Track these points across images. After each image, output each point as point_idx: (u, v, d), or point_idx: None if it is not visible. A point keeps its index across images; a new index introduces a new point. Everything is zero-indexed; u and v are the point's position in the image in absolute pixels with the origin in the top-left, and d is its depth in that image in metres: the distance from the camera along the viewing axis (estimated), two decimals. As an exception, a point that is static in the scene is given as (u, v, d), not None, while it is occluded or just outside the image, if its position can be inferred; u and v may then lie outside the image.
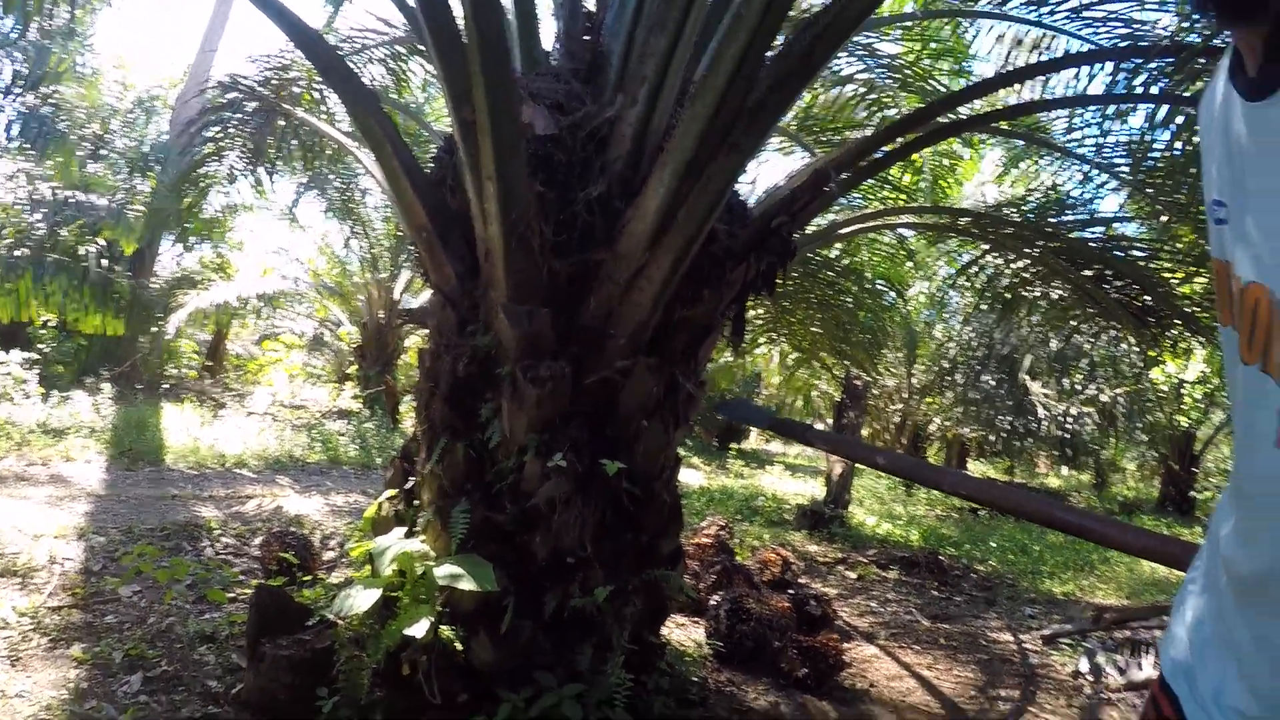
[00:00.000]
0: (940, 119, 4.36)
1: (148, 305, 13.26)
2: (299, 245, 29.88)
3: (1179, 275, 5.39)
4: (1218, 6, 0.79)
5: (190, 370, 15.97)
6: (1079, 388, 13.33)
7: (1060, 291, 6.08)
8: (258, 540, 5.59)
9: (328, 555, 5.60)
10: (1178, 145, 4.60)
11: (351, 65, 5.43)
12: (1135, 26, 4.70)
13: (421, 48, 6.39)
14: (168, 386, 13.90)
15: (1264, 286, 0.79)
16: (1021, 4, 5.22)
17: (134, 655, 3.59)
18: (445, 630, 2.98)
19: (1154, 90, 4.36)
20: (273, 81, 6.16)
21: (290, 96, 6.26)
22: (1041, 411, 13.17)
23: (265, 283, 14.51)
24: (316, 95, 6.57)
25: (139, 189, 13.62)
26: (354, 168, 13.01)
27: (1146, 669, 4.66)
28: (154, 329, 13.61)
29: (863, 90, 6.69)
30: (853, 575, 7.26)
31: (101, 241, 12.87)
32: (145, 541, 5.28)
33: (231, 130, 6.41)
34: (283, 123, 6.41)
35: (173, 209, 7.41)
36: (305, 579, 4.75)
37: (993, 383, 13.13)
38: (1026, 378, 13.01)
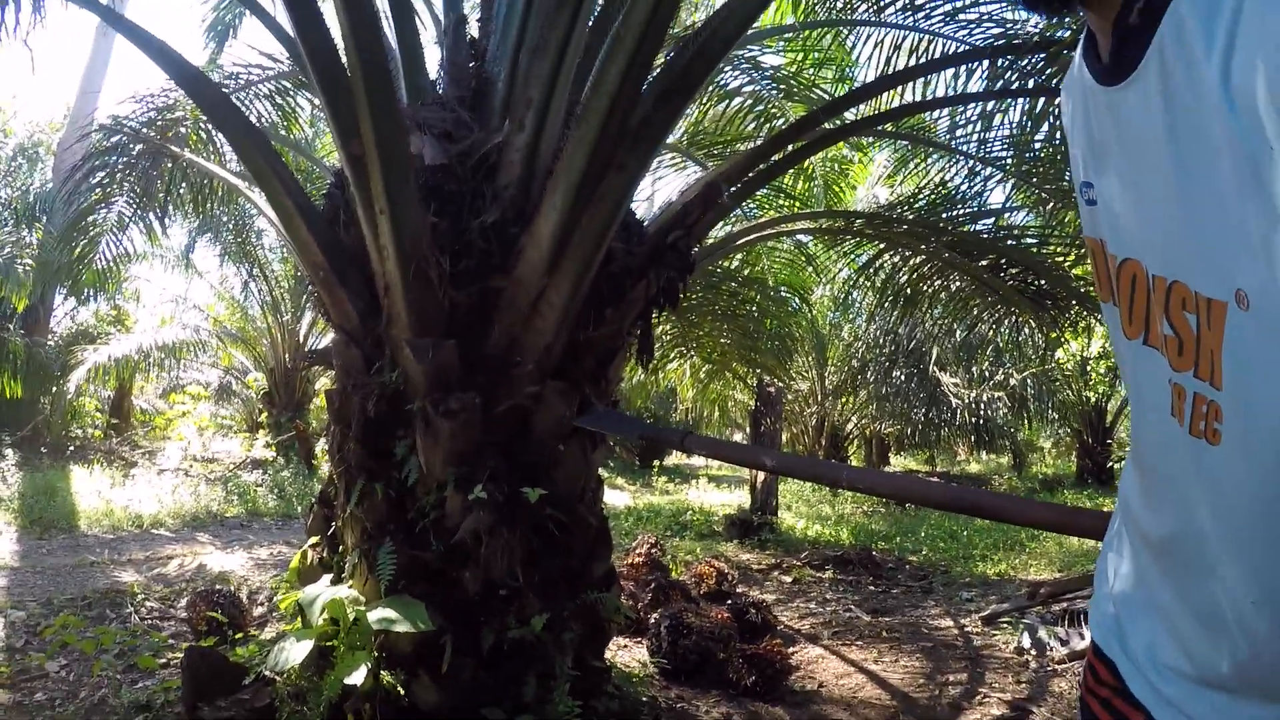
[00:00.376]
0: (827, 125, 4.47)
1: (44, 364, 12.70)
2: (197, 292, 28.96)
3: (1070, 258, 5.62)
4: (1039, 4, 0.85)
5: (96, 430, 15.29)
6: (988, 374, 13.77)
7: (959, 283, 6.28)
8: (183, 601, 5.38)
9: (257, 610, 5.42)
10: (1056, 135, 4.80)
11: (237, 102, 5.30)
12: (1008, 26, 4.91)
13: (307, 81, 6.29)
14: (74, 448, 13.29)
15: (1137, 262, 0.82)
16: (898, 10, 5.40)
17: (69, 733, 3.42)
18: (385, 675, 2.92)
19: (1030, 85, 4.55)
20: (158, 122, 5.98)
21: (177, 137, 6.07)
22: (954, 401, 13.56)
23: (165, 333, 14.00)
24: (204, 135, 6.40)
25: (26, 241, 13.04)
26: (247, 209, 12.66)
27: (1088, 638, 4.81)
28: (54, 389, 13.02)
29: (750, 103, 6.82)
30: (788, 579, 7.33)
31: (-10, 299, 12.29)
32: (68, 612, 5.04)
33: (118, 175, 6.19)
34: (170, 164, 6.22)
35: (63, 261, 7.09)
36: (238, 637, 4.59)
37: (903, 377, 13.48)
38: (936, 369, 13.38)
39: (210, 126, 6.26)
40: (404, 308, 3.10)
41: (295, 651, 2.86)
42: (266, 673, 3.25)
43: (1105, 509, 1.35)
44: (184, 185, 6.60)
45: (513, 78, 3.39)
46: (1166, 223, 0.78)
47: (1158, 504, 0.90)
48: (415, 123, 3.28)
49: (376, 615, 2.81)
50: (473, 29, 3.95)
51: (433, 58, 4.03)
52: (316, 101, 6.81)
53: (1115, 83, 0.81)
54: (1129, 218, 0.85)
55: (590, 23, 3.28)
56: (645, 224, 3.86)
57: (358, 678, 2.73)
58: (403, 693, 2.94)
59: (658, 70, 3.07)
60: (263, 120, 6.61)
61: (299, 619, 3.49)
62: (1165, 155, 0.75)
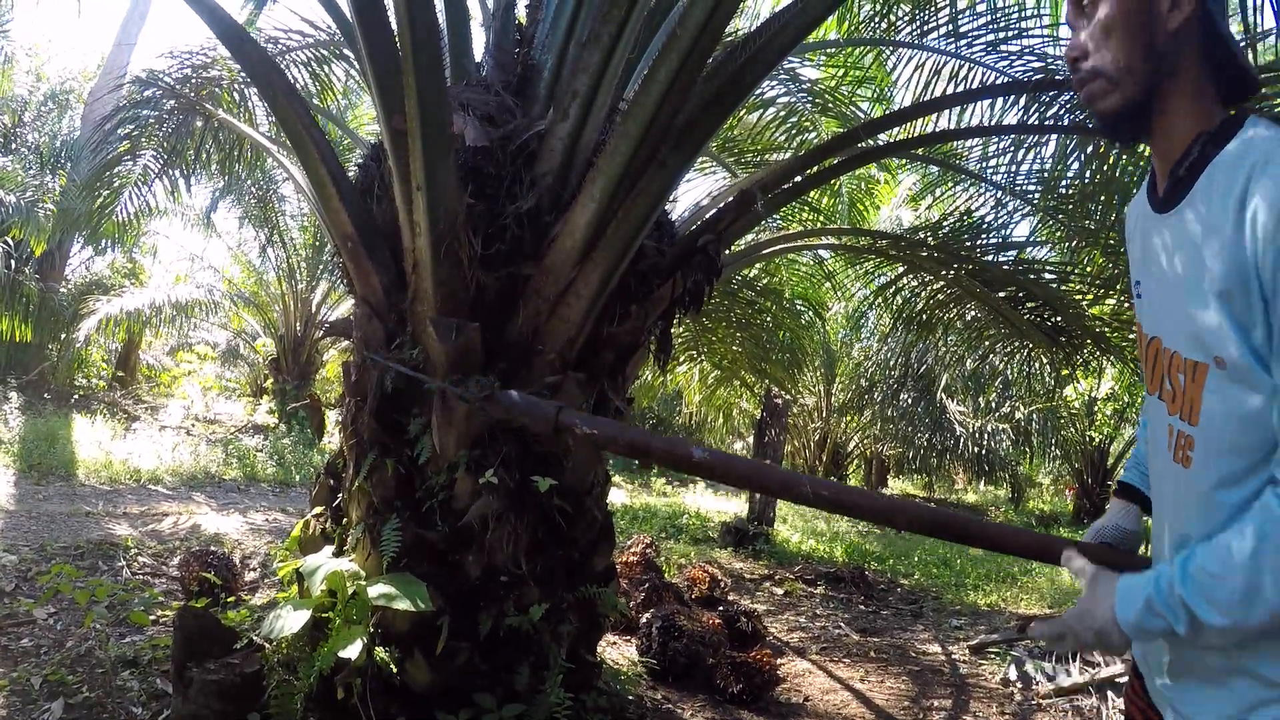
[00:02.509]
0: (862, 144, 4.47)
1: (56, 310, 12.71)
2: (214, 253, 29.03)
3: (1089, 297, 5.61)
4: (1111, 136, 1.32)
5: (100, 381, 15.33)
6: (994, 405, 13.75)
7: (975, 312, 6.29)
8: (176, 559, 5.38)
9: (249, 575, 5.42)
10: (1087, 174, 4.80)
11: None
12: (1049, 60, 4.91)
13: (347, 52, 6.30)
14: (78, 397, 13.31)
15: (1159, 338, 1.24)
16: (942, 36, 5.40)
17: (54, 681, 3.42)
18: (379, 652, 2.90)
19: (1065, 122, 4.55)
20: (193, 80, 5.98)
21: (211, 96, 6.08)
22: (958, 429, 13.54)
23: (179, 290, 14.03)
24: (237, 97, 6.41)
25: (49, 187, 13.06)
26: (272, 174, 12.69)
27: (1074, 674, 4.81)
28: (63, 336, 13.04)
29: (783, 114, 6.82)
30: (780, 591, 7.33)
31: (10, 241, 12.30)
32: (60, 560, 5.04)
33: (148, 128, 6.20)
34: (201, 124, 6.23)
35: (84, 209, 7.10)
36: (229, 600, 4.60)
37: (910, 400, 13.46)
38: (943, 396, 13.36)
39: (244, 89, 6.29)
40: (431, 286, 3.10)
41: (291, 620, 2.85)
42: (257, 639, 3.25)
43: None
44: (212, 145, 6.60)
45: (560, 67, 3.40)
46: (1175, 312, 1.17)
47: (1156, 521, 1.32)
48: (459, 103, 3.29)
49: (377, 591, 2.80)
50: (520, 15, 3.96)
51: (478, 40, 4.04)
52: (352, 72, 6.83)
53: (1164, 212, 1.22)
54: (1156, 307, 1.26)
55: (641, 19, 3.28)
56: (676, 225, 3.87)
57: (352, 652, 2.70)
58: (395, 671, 2.94)
59: (706, 73, 3.07)
60: (297, 86, 6.62)
61: (294, 587, 3.50)
62: (1181, 268, 1.16)
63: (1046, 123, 4.48)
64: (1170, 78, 1.21)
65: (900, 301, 6.52)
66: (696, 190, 6.99)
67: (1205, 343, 1.11)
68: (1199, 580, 1.07)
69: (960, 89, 5.49)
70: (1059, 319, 5.68)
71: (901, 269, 6.16)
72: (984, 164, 5.89)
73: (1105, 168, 4.47)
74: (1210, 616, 1.05)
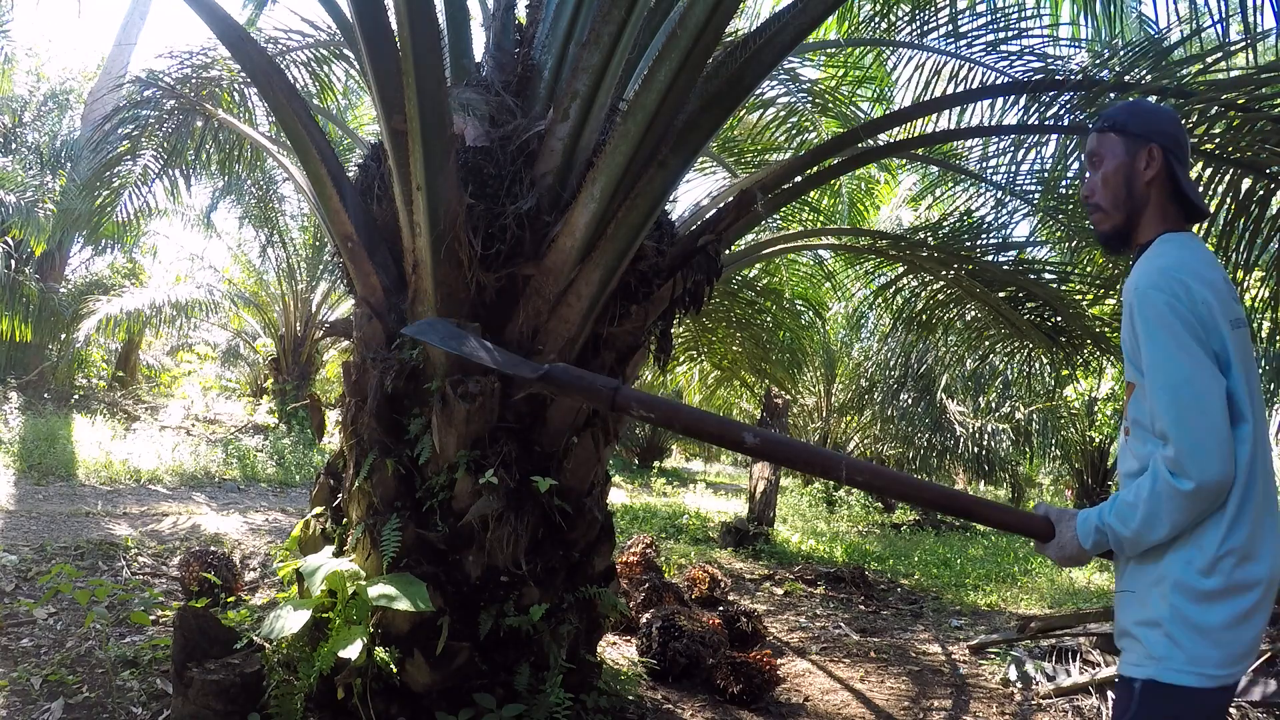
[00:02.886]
0: (862, 144, 4.47)
1: (56, 310, 12.70)
2: (214, 253, 29.06)
3: (1089, 297, 5.61)
4: (1106, 248, 2.01)
5: (100, 381, 15.32)
6: (994, 405, 13.74)
7: (975, 312, 6.28)
8: (176, 560, 5.38)
9: (249, 575, 5.42)
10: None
11: (275, 70, 5.31)
12: (1049, 60, 4.91)
13: (347, 52, 6.30)
14: (77, 397, 13.31)
15: (1129, 382, 1.80)
16: (941, 36, 5.40)
17: (54, 681, 3.42)
18: (379, 652, 2.90)
19: (1065, 122, 4.54)
20: (193, 80, 5.98)
21: (211, 96, 6.08)
22: (958, 429, 13.53)
23: (179, 290, 14.00)
24: (237, 97, 6.41)
25: (49, 187, 13.05)
26: (272, 174, 12.69)
27: (1074, 674, 4.81)
28: (63, 336, 13.03)
29: (783, 114, 6.82)
30: (780, 591, 7.33)
31: (10, 241, 12.30)
32: (60, 560, 5.03)
33: (148, 128, 6.20)
34: (201, 123, 6.23)
35: (84, 209, 7.10)
36: (229, 600, 4.59)
37: (910, 401, 13.44)
38: (943, 396, 13.35)
39: (244, 89, 6.29)
40: (431, 286, 3.10)
41: (291, 620, 2.85)
42: (257, 639, 3.25)
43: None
44: (212, 145, 6.60)
45: (560, 67, 3.40)
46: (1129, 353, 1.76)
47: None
48: (459, 103, 3.29)
49: (377, 591, 2.80)
50: (520, 15, 3.96)
51: (478, 40, 4.04)
52: (352, 71, 6.83)
53: None
54: (1131, 361, 1.76)
55: (641, 20, 3.28)
56: (676, 225, 3.87)
57: (352, 652, 2.71)
58: (395, 671, 2.94)
59: (706, 73, 3.07)
60: (297, 87, 6.61)
61: (294, 587, 3.50)
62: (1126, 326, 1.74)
63: (1046, 123, 4.47)
64: (1144, 210, 1.85)
65: (900, 302, 6.51)
66: (696, 190, 7.01)
67: (1130, 373, 1.77)
68: (1120, 509, 1.70)
69: (960, 89, 5.49)
70: (1059, 319, 5.68)
71: (901, 269, 6.16)
72: (984, 164, 5.89)
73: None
74: (1125, 531, 1.68)
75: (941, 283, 5.98)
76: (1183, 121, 2.35)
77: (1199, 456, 1.57)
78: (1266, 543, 1.65)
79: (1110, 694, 4.55)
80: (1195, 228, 2.06)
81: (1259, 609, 1.63)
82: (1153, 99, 3.79)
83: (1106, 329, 5.71)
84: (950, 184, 6.56)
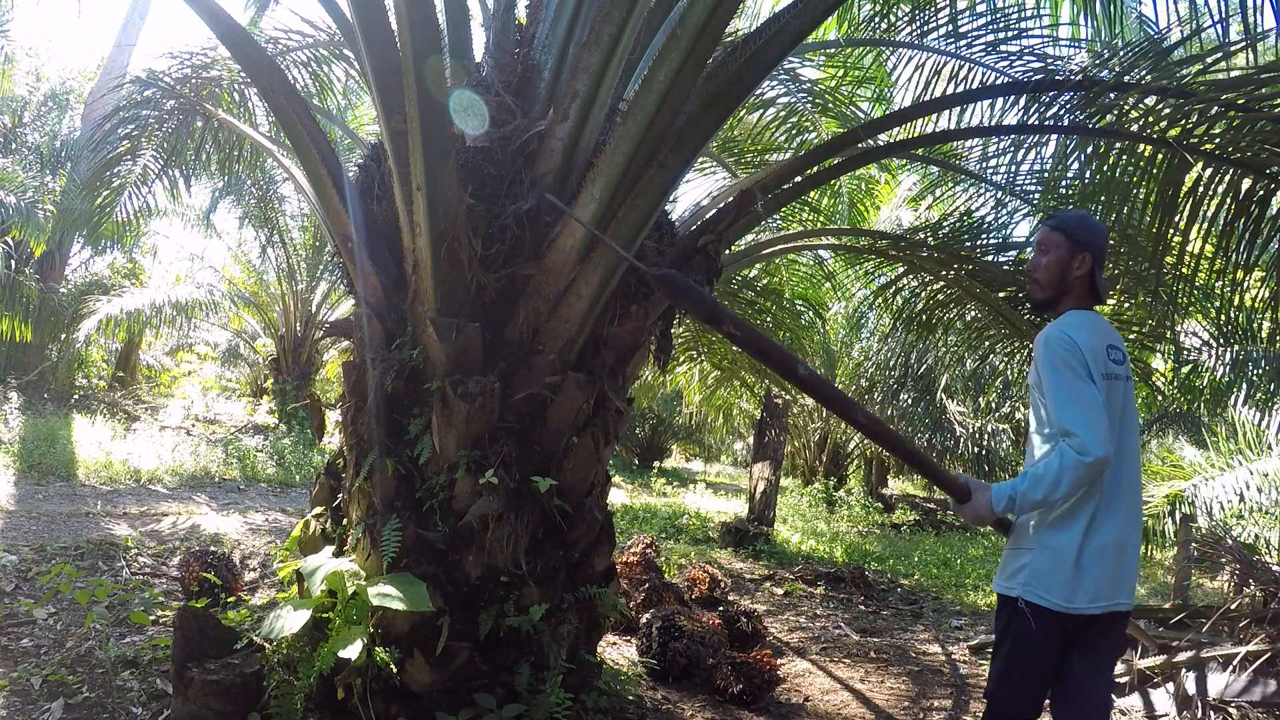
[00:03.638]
0: (862, 144, 4.47)
1: (56, 310, 12.70)
2: (214, 253, 29.07)
3: (1088, 298, 5.60)
4: (1036, 310, 3.41)
5: (100, 381, 15.32)
6: (994, 405, 13.74)
7: (975, 313, 6.28)
8: (176, 560, 5.38)
9: (249, 576, 5.42)
10: (1087, 174, 4.79)
11: (275, 70, 5.30)
12: (1049, 61, 4.90)
13: (347, 52, 6.30)
14: (77, 397, 13.31)
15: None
16: (941, 36, 5.40)
17: (54, 681, 3.42)
18: (379, 652, 2.90)
19: (1065, 122, 4.54)
20: (193, 80, 5.98)
21: (211, 97, 6.08)
22: (958, 429, 13.53)
23: (179, 290, 14.00)
24: (237, 98, 6.40)
25: (49, 187, 13.05)
26: (272, 174, 12.68)
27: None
28: (63, 336, 13.04)
29: (783, 114, 6.82)
30: (780, 591, 7.33)
31: (10, 241, 12.30)
32: (60, 560, 5.03)
33: (148, 128, 6.20)
34: (201, 124, 6.23)
35: (84, 209, 7.09)
36: (229, 600, 4.59)
37: (910, 401, 13.44)
38: (943, 396, 13.35)
39: (244, 89, 6.29)
40: (431, 286, 3.10)
41: (291, 620, 2.85)
42: (257, 639, 3.25)
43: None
44: (211, 145, 6.60)
45: (560, 68, 3.40)
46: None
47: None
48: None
49: (377, 591, 2.80)
50: (520, 15, 3.96)
51: (478, 40, 4.04)
52: (351, 72, 6.83)
53: None
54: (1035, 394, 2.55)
55: (641, 20, 3.28)
56: (676, 225, 3.87)
57: (352, 652, 2.71)
58: (395, 671, 2.94)
59: (705, 73, 3.07)
60: (297, 87, 6.61)
61: (294, 587, 3.50)
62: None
63: (1046, 123, 4.46)
64: (1067, 294, 2.55)
65: (900, 302, 6.51)
66: (696, 190, 7.00)
67: (1034, 397, 2.51)
68: (1032, 480, 2.30)
69: (960, 89, 5.49)
70: (1059, 319, 5.67)
71: (901, 269, 6.16)
72: (984, 164, 5.88)
73: (1105, 168, 4.46)
74: (1036, 495, 2.29)
75: (941, 283, 5.98)
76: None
77: (1096, 440, 2.24)
78: (1115, 520, 2.40)
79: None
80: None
81: (1106, 562, 2.38)
82: (1152, 100, 3.80)
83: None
84: (950, 184, 6.55)
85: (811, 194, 7.16)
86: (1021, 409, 13.67)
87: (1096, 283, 2.55)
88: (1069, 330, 2.43)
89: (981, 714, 2.64)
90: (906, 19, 5.48)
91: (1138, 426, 2.62)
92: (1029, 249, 6.12)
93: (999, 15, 5.15)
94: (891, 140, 5.43)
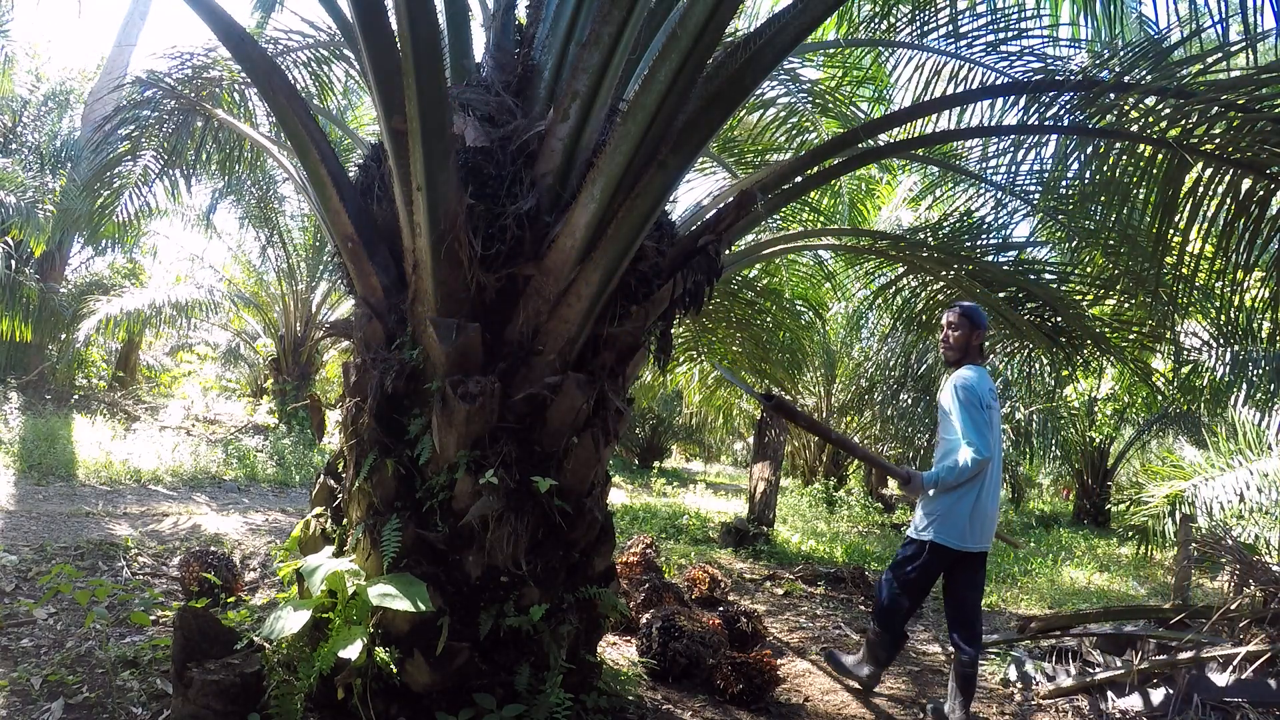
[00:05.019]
0: (862, 144, 4.47)
1: (57, 310, 12.71)
2: (214, 253, 29.08)
3: (1089, 297, 5.61)
4: (944, 362, 4.37)
5: (100, 381, 15.33)
6: (993, 406, 13.74)
7: (976, 313, 6.27)
8: (176, 560, 5.38)
9: (249, 576, 5.42)
10: (1087, 174, 4.80)
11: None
12: (1049, 61, 4.91)
13: (347, 52, 6.30)
14: (78, 397, 13.31)
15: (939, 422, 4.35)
16: (941, 36, 5.40)
17: (54, 681, 3.41)
18: (379, 652, 2.90)
19: (1065, 122, 4.55)
20: (194, 81, 5.99)
21: (211, 97, 6.09)
22: (958, 429, 13.52)
23: (179, 290, 14.01)
24: (237, 98, 6.41)
25: (49, 187, 13.06)
26: (272, 174, 12.69)
27: (1074, 675, 4.81)
28: (64, 336, 13.04)
29: (784, 114, 6.82)
30: (780, 591, 7.33)
31: (10, 241, 12.30)
32: (60, 560, 5.03)
33: (149, 129, 6.20)
34: (201, 124, 6.23)
35: (84, 209, 7.10)
36: (229, 600, 4.59)
37: (910, 401, 13.44)
38: (943, 396, 13.35)
39: (244, 89, 6.29)
40: (431, 286, 3.10)
41: (291, 620, 2.85)
42: (257, 639, 3.24)
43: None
44: (212, 145, 6.60)
45: (560, 67, 3.40)
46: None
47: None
48: (459, 103, 3.29)
49: (377, 591, 2.80)
50: (520, 15, 3.96)
51: (478, 40, 4.04)
52: (352, 72, 6.83)
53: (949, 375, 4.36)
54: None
55: (643, 20, 3.28)
56: (676, 225, 3.87)
57: (352, 652, 2.71)
58: (395, 671, 2.94)
59: (706, 73, 3.07)
60: (297, 87, 6.61)
61: (294, 587, 3.50)
62: (945, 398, 4.14)
63: (1046, 123, 4.47)
64: (966, 356, 4.12)
65: (900, 302, 6.51)
66: (697, 190, 6.98)
67: (943, 416, 4.14)
68: (947, 470, 3.93)
69: (960, 89, 5.49)
70: (1059, 319, 5.68)
71: (901, 269, 6.16)
72: (984, 164, 5.89)
73: (1105, 168, 4.46)
74: (950, 478, 3.92)
75: (941, 283, 5.99)
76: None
77: (984, 447, 3.87)
78: (990, 495, 4.04)
79: (1110, 694, 4.56)
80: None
81: (985, 521, 4.02)
82: (1152, 100, 3.80)
83: (1106, 329, 5.71)
84: (950, 184, 6.55)
85: (812, 194, 7.17)
86: (1021, 409, 13.69)
87: (982, 347, 4.20)
88: (971, 380, 3.97)
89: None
90: (906, 19, 5.49)
91: (1001, 436, 4.21)
92: (1029, 249, 6.15)
93: (999, 15, 5.16)
94: (891, 140, 5.43)
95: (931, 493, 4.03)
